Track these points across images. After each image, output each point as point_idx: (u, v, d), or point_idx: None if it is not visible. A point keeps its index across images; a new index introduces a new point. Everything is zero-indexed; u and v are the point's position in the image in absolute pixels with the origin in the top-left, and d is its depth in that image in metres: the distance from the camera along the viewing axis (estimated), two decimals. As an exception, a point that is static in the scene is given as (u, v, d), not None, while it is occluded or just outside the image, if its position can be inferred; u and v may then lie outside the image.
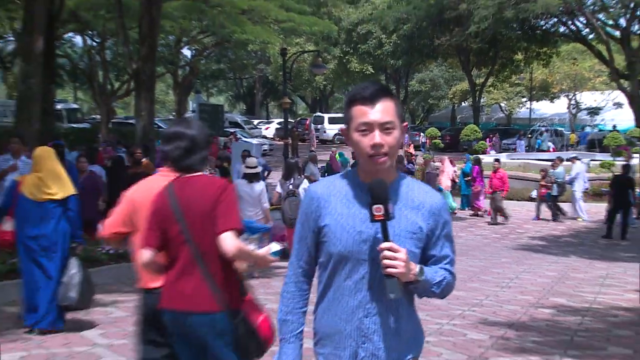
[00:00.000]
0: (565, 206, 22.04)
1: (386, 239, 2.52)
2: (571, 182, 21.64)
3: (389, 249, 2.50)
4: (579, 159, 23.24)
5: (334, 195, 2.72)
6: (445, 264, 2.78)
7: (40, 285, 7.64)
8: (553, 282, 11.92)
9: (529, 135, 43.47)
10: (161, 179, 4.39)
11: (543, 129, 45.31)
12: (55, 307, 7.66)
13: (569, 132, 46.55)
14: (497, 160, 22.42)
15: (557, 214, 21.66)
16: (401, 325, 2.71)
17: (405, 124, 2.76)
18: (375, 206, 2.51)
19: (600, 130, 46.25)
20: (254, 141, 34.08)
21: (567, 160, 23.10)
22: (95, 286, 8.44)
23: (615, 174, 20.83)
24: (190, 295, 3.87)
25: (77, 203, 7.86)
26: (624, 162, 21.51)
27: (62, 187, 7.65)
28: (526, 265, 13.89)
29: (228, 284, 3.88)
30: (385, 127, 2.60)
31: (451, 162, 23.68)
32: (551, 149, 39.31)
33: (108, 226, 4.62)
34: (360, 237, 2.63)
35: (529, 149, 40.74)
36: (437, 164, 24.73)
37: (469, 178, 22.32)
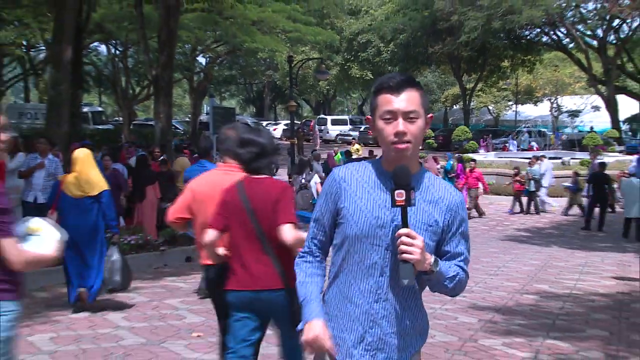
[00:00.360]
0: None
1: (405, 224, 2.39)
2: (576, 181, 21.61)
3: (407, 235, 2.36)
4: (546, 157, 23.49)
5: (356, 180, 2.58)
6: (460, 261, 2.61)
7: (80, 270, 7.95)
8: (536, 270, 11.91)
9: (515, 136, 43.40)
10: (221, 173, 4.86)
11: (524, 129, 45.25)
12: (94, 288, 8.05)
13: (551, 133, 46.50)
14: (473, 160, 22.60)
15: (538, 208, 21.77)
16: (410, 314, 2.57)
17: (430, 115, 2.61)
18: (397, 191, 2.38)
19: (579, 131, 46.26)
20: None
21: (537, 158, 23.10)
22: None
23: (593, 171, 20.83)
24: (260, 276, 4.20)
25: (110, 197, 8.18)
26: (600, 161, 21.50)
27: (97, 185, 7.97)
28: (512, 254, 13.89)
29: (288, 267, 4.00)
30: (409, 116, 2.46)
31: (435, 159, 23.78)
32: (535, 148, 39.24)
33: (172, 212, 4.94)
34: (377, 223, 2.49)
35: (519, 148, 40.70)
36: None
37: (453, 175, 22.28)
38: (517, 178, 21.81)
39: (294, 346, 4.22)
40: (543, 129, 47.31)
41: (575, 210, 20.91)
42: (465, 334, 7.27)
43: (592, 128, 43.15)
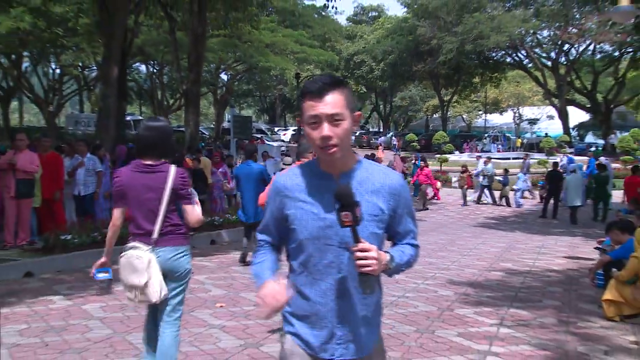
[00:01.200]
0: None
1: (357, 241, 2.04)
2: (505, 177, 22.18)
3: (360, 250, 2.03)
4: (491, 159, 23.72)
5: (297, 185, 2.22)
6: (411, 238, 2.33)
7: None
8: (502, 251, 11.92)
9: (484, 140, 43.34)
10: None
11: (486, 135, 45.24)
12: None
13: (514, 138, 46.46)
14: (423, 159, 22.82)
15: (494, 199, 22.04)
16: (370, 301, 2.22)
17: (357, 113, 2.22)
18: (343, 213, 2.03)
19: (537, 136, 46.28)
20: (275, 144, 33.96)
21: (489, 159, 23.45)
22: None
23: (549, 169, 20.87)
24: None
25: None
26: (554, 161, 21.61)
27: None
28: (482, 238, 13.89)
29: None
30: (333, 119, 2.09)
31: (402, 159, 24.43)
32: (499, 150, 39.18)
33: (262, 198, 5.83)
34: (325, 223, 2.15)
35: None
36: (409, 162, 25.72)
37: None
38: (464, 175, 22.31)
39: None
40: (508, 134, 47.32)
41: (504, 201, 21.73)
42: (443, 304, 7.31)
43: (547, 134, 43.46)
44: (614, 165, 24.92)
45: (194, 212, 4.10)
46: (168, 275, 3.97)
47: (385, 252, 2.16)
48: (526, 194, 22.64)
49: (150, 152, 4.04)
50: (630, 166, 20.12)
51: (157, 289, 3.85)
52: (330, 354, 2.17)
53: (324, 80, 2.13)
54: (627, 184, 16.80)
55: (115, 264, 4.11)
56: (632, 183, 16.20)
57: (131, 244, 4.03)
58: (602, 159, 21.29)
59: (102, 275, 4.18)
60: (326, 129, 2.09)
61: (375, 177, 2.23)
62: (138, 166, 4.05)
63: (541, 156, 31.20)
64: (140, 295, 3.90)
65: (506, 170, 22.70)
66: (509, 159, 31.11)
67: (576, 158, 28.26)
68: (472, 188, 23.03)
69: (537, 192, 22.49)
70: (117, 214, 4.13)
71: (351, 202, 2.03)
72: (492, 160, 23.47)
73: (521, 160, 27.45)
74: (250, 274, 2.42)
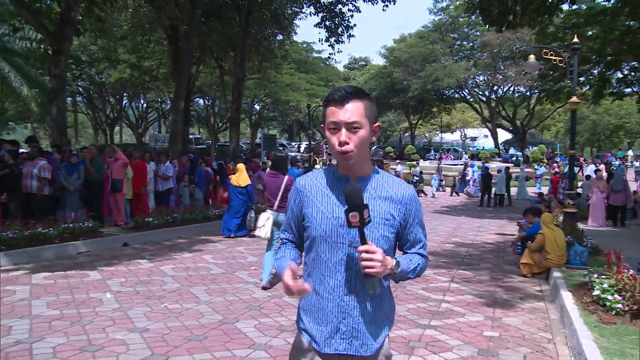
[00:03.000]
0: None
1: (363, 242, 1.58)
2: (420, 175, 23.36)
3: (366, 251, 1.57)
4: (418, 164, 25.41)
5: (315, 186, 1.76)
6: (420, 248, 1.80)
7: (232, 219, 9.59)
8: (453, 230, 11.87)
9: (441, 152, 43.10)
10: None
11: (441, 148, 45.19)
12: (241, 229, 9.63)
13: (461, 150, 46.32)
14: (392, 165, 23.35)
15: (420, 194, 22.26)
16: (378, 302, 1.72)
17: (377, 124, 1.72)
18: (351, 213, 1.57)
19: (477, 149, 46.22)
20: (292, 154, 33.99)
21: (418, 163, 24.93)
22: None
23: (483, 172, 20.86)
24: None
25: (251, 187, 9.46)
26: (485, 165, 21.62)
27: (244, 180, 9.45)
28: (439, 221, 13.81)
29: None
30: (352, 127, 1.64)
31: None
32: (452, 159, 38.97)
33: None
34: (338, 222, 1.67)
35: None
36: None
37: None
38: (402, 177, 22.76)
39: None
40: (456, 148, 47.29)
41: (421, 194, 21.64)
42: (410, 266, 7.27)
43: (483, 147, 43.64)
44: (527, 169, 26.02)
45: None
46: (276, 225, 5.58)
47: (394, 258, 1.69)
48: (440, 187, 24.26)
49: (276, 168, 5.83)
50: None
51: (265, 231, 5.62)
52: (334, 349, 1.68)
53: (347, 89, 1.68)
54: (552, 181, 19.21)
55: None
56: (554, 181, 18.86)
57: (266, 209, 5.78)
58: (488, 165, 22.12)
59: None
60: (344, 134, 1.64)
61: (390, 186, 1.75)
62: (271, 174, 5.80)
63: (479, 163, 31.17)
64: (259, 232, 5.63)
65: (421, 172, 23.61)
66: (456, 165, 30.96)
67: (502, 165, 28.21)
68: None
69: (448, 188, 23.95)
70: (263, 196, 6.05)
71: (359, 204, 1.58)
72: (442, 165, 24.17)
73: (459, 166, 27.83)
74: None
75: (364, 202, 1.60)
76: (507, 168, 20.32)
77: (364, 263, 1.57)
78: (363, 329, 1.69)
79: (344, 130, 1.65)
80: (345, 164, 1.71)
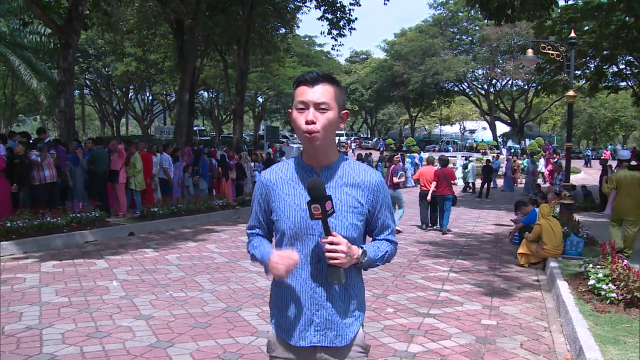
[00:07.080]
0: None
1: (327, 233, 1.47)
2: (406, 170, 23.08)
3: (330, 242, 1.47)
4: (403, 157, 24.52)
5: (281, 179, 1.61)
6: (388, 234, 1.67)
7: None
8: (452, 220, 11.70)
9: (440, 144, 43.01)
10: (431, 167, 9.48)
11: (441, 141, 45.03)
12: None
13: (460, 142, 46.19)
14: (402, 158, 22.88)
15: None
16: (351, 292, 1.61)
17: (345, 111, 1.60)
18: (313, 205, 1.45)
19: (475, 141, 46.06)
20: (295, 146, 33.91)
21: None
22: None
23: (484, 164, 20.82)
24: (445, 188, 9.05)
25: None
26: (487, 158, 21.51)
27: None
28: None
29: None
30: (320, 107, 1.51)
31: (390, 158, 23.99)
32: (451, 151, 38.84)
33: (415, 177, 9.02)
34: (306, 214, 1.51)
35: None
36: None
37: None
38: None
39: None
40: (456, 140, 47.14)
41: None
42: (411, 257, 7.25)
43: (482, 139, 43.45)
44: (519, 161, 25.87)
45: None
46: None
47: (360, 247, 1.57)
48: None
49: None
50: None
51: None
52: (309, 341, 1.57)
53: (319, 72, 1.59)
54: (550, 171, 19.77)
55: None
56: (551, 171, 18.90)
57: None
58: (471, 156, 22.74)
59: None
60: (311, 113, 1.51)
61: (356, 173, 1.62)
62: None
63: (478, 155, 31.06)
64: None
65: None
66: (456, 157, 30.70)
67: (501, 156, 28.13)
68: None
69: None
70: None
71: (321, 195, 1.46)
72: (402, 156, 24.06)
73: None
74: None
75: (327, 194, 1.49)
76: (488, 160, 20.54)
77: (328, 254, 1.48)
78: (337, 320, 1.58)
79: (312, 110, 1.52)
80: (311, 147, 1.55)
